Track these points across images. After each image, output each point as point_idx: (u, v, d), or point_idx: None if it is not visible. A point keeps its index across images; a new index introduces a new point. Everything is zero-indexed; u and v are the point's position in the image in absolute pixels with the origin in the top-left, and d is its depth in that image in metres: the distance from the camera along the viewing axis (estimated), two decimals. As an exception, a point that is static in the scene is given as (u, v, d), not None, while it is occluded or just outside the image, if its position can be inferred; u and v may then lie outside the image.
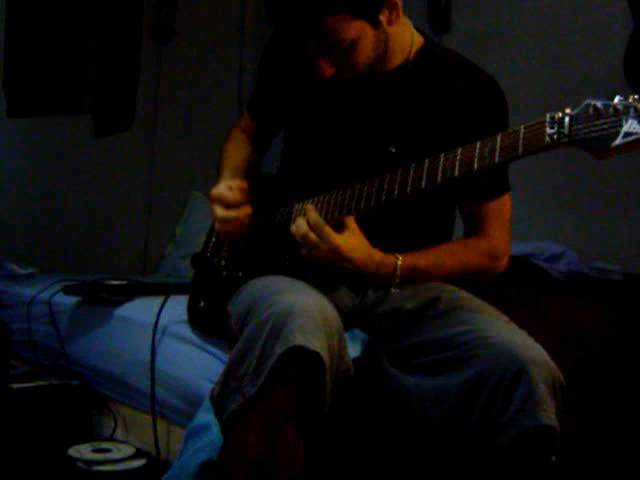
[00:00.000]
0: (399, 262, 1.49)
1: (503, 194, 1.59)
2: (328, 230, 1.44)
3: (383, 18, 1.44)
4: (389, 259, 1.49)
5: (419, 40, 1.60)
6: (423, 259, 1.52)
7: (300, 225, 1.47)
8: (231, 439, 1.33)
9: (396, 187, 1.40)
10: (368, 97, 1.60)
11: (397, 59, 1.57)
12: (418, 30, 1.61)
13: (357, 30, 1.41)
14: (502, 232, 1.60)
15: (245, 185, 1.65)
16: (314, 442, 1.33)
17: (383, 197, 1.41)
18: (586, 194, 2.61)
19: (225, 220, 1.64)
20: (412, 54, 1.57)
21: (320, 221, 1.45)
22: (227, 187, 1.65)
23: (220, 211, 1.64)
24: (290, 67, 1.68)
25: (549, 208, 2.71)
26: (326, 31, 1.39)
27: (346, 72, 1.49)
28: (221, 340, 1.73)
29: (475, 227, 1.60)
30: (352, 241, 1.46)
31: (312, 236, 1.45)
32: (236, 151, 1.82)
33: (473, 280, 1.62)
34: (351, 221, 1.48)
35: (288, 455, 1.29)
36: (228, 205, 1.63)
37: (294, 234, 1.48)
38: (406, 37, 1.57)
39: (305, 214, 1.48)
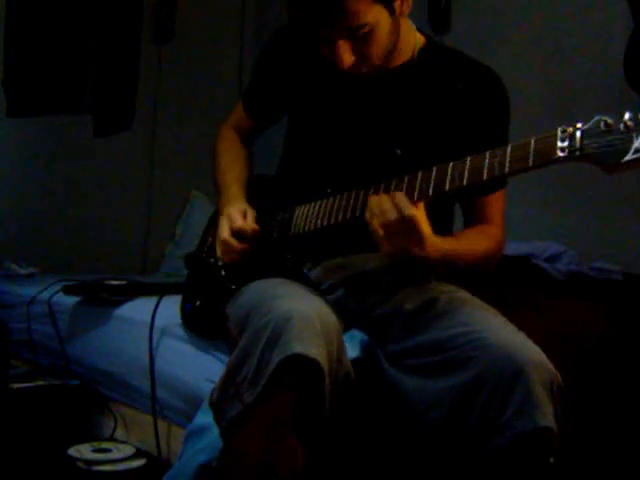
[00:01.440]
0: (447, 246, 1.45)
1: (502, 188, 1.62)
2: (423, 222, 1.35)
3: (397, 6, 1.46)
4: (441, 244, 1.43)
5: (421, 39, 1.62)
6: (460, 245, 1.51)
7: (388, 209, 1.34)
8: (230, 445, 1.32)
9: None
10: (373, 96, 1.60)
11: (402, 57, 1.58)
12: (419, 30, 1.63)
13: (375, 14, 1.42)
14: (503, 221, 1.63)
15: (257, 228, 1.64)
16: (314, 447, 1.33)
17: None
18: (586, 194, 2.61)
19: (230, 248, 1.63)
20: (415, 52, 1.60)
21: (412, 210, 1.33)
22: (241, 212, 1.64)
23: (227, 235, 1.62)
24: (294, 64, 1.68)
25: (549, 208, 2.71)
26: (347, 13, 1.38)
27: (363, 63, 1.48)
28: (220, 341, 1.73)
29: (479, 217, 1.62)
30: (429, 230, 1.38)
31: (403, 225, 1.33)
32: (232, 156, 1.82)
33: (482, 269, 1.62)
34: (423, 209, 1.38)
35: (287, 462, 1.28)
36: (235, 232, 1.62)
37: (374, 211, 1.36)
38: (410, 36, 1.59)
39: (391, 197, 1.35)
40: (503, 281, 2.00)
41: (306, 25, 1.46)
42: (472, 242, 1.56)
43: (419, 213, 1.35)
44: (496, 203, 1.62)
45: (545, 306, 2.11)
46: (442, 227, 1.66)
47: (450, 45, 1.88)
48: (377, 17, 1.42)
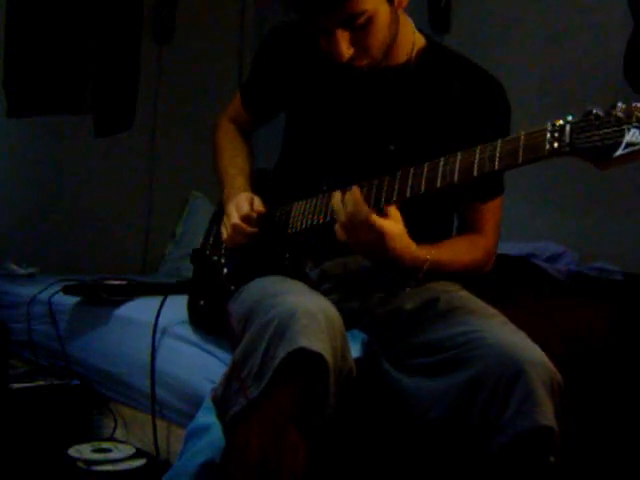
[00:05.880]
0: (429, 257, 1.46)
1: (499, 195, 1.61)
2: (375, 217, 1.38)
3: None
4: (421, 252, 1.46)
5: (421, 39, 1.62)
6: (443, 254, 1.51)
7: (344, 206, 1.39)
8: (233, 441, 1.32)
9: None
10: (370, 92, 1.60)
11: (401, 56, 1.58)
12: (419, 30, 1.63)
13: (374, 2, 1.40)
14: (496, 232, 1.62)
15: (263, 211, 1.64)
16: (317, 443, 1.33)
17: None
18: (586, 194, 2.61)
19: (240, 231, 1.63)
20: (414, 52, 1.59)
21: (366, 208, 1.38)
22: (249, 200, 1.64)
23: (237, 219, 1.61)
24: (291, 61, 1.67)
25: (549, 208, 2.71)
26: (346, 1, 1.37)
27: (362, 55, 1.47)
28: (222, 340, 1.73)
29: (472, 225, 1.61)
30: (396, 229, 1.40)
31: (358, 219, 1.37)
32: (234, 149, 1.83)
33: (466, 277, 1.62)
34: (395, 210, 1.41)
35: (290, 457, 1.28)
36: (245, 218, 1.62)
37: (338, 213, 1.41)
38: (409, 35, 1.58)
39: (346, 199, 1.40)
40: (503, 281, 2.00)
41: (305, 13, 1.44)
42: (457, 252, 1.56)
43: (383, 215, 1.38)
44: (491, 214, 1.60)
45: (545, 306, 2.11)
46: (439, 235, 1.66)
47: (450, 45, 1.88)
48: (376, 5, 1.41)
